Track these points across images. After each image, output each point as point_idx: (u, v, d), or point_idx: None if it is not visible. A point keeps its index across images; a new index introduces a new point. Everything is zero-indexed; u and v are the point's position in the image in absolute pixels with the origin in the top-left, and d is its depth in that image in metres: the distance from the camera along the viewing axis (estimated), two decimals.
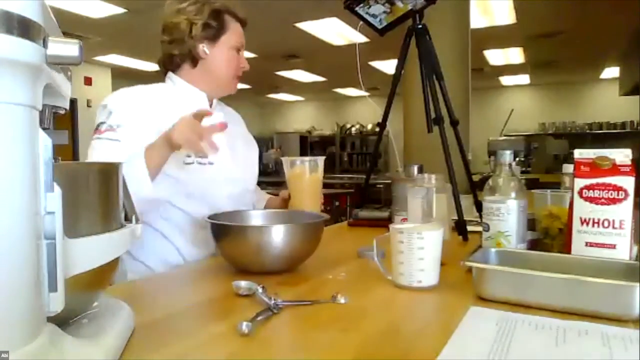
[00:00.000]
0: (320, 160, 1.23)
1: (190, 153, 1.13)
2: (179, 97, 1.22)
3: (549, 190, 1.11)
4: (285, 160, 1.23)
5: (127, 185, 0.77)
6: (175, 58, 1.23)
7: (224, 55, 1.22)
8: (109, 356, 0.50)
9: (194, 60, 1.22)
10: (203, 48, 1.20)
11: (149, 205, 1.06)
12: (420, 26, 1.38)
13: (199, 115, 1.02)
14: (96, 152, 1.09)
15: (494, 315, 0.64)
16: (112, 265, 0.54)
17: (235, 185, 1.27)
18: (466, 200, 1.35)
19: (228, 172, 1.24)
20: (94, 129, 1.13)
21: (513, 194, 0.90)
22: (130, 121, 1.11)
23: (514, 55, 7.06)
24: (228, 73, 1.24)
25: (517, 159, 5.41)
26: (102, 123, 1.12)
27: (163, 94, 1.22)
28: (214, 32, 1.20)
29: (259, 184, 1.47)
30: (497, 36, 5.85)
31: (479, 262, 0.74)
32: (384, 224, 0.95)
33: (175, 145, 1.00)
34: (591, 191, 0.82)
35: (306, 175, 1.21)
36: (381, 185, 5.75)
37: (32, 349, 0.39)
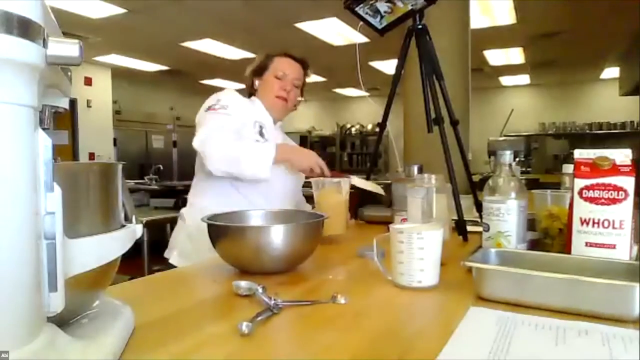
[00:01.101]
0: (345, 182, 1.32)
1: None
2: (253, 109, 1.61)
3: (549, 190, 1.10)
4: (314, 181, 1.35)
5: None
6: (247, 93, 1.70)
7: (266, 83, 1.61)
8: (109, 356, 0.50)
9: (253, 92, 1.66)
10: (255, 83, 1.65)
11: (254, 180, 1.42)
12: (420, 26, 1.38)
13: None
14: (213, 121, 1.45)
15: (494, 315, 0.64)
16: (112, 265, 0.54)
17: (295, 184, 1.66)
18: (466, 200, 1.35)
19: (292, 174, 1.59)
20: (204, 110, 1.50)
21: (513, 194, 0.90)
22: (233, 107, 1.50)
23: (514, 55, 7.05)
24: (269, 94, 1.60)
25: (517, 159, 5.41)
26: (213, 105, 1.49)
27: (247, 104, 1.61)
28: (260, 70, 1.63)
29: None
30: (497, 36, 5.85)
31: (479, 262, 0.74)
32: (390, 220, 0.95)
33: (297, 167, 1.47)
34: (591, 191, 0.82)
35: (332, 196, 1.30)
36: (381, 185, 5.75)
37: (32, 349, 0.39)
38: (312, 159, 1.44)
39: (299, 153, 1.49)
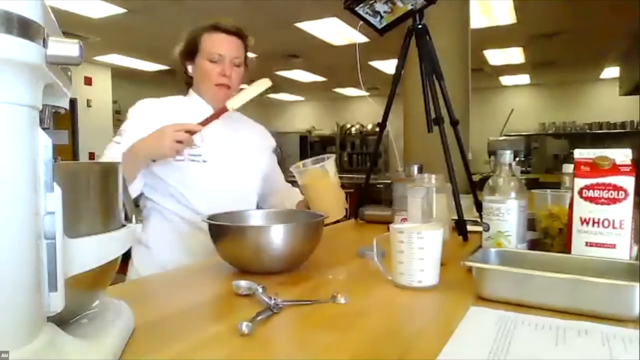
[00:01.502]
0: (329, 162, 1.19)
1: (183, 152, 1.24)
2: (189, 107, 1.38)
3: (549, 190, 1.11)
4: (293, 169, 1.20)
5: None
6: (186, 83, 1.45)
7: (200, 69, 1.35)
8: (109, 356, 0.50)
9: (191, 79, 1.41)
10: (188, 69, 1.40)
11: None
12: (420, 26, 1.38)
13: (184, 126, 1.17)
14: (105, 152, 1.27)
15: (494, 315, 0.64)
16: (112, 265, 0.54)
17: (234, 184, 1.36)
18: (466, 200, 1.35)
19: (222, 170, 1.34)
20: None
21: (513, 194, 0.90)
22: (134, 128, 1.26)
23: (514, 55, 7.05)
24: (207, 84, 1.35)
25: (517, 159, 5.41)
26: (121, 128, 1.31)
27: (176, 105, 1.39)
28: (191, 53, 1.37)
29: None
30: (497, 36, 5.84)
31: (479, 262, 0.74)
32: (390, 220, 0.94)
33: (160, 156, 1.19)
34: (591, 191, 0.82)
35: (318, 182, 1.18)
36: (381, 185, 5.75)
37: (32, 349, 0.39)
38: (165, 137, 1.14)
39: (151, 140, 1.17)
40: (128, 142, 1.21)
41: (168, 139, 1.13)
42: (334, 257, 1.05)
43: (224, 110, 1.24)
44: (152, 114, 1.30)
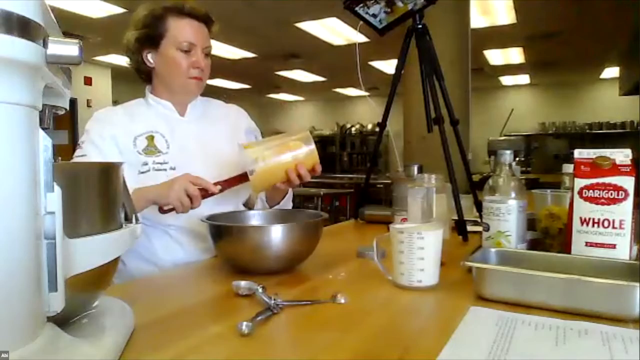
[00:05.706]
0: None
1: (147, 161, 1.18)
2: (148, 110, 1.26)
3: (549, 190, 1.11)
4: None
5: None
6: (139, 74, 1.27)
7: (168, 59, 1.19)
8: (109, 356, 0.50)
9: (149, 71, 1.25)
10: (148, 57, 1.22)
11: None
12: (420, 26, 1.38)
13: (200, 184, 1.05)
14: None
15: (494, 315, 0.64)
16: (112, 265, 0.54)
17: None
18: (466, 200, 1.35)
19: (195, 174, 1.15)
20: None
21: (513, 194, 0.90)
22: (94, 137, 1.18)
23: (514, 55, 7.06)
24: (177, 77, 1.21)
25: (517, 159, 5.41)
26: (79, 143, 1.20)
27: (136, 112, 1.25)
28: (153, 38, 1.19)
29: None
30: (497, 36, 5.85)
31: (479, 262, 0.74)
32: (390, 220, 0.94)
33: (164, 202, 1.04)
34: (591, 191, 0.82)
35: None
36: (381, 185, 5.75)
37: (32, 349, 0.39)
38: (175, 185, 1.03)
39: (160, 186, 1.08)
40: (91, 152, 1.14)
41: (178, 187, 1.02)
42: (334, 257, 1.05)
43: (246, 178, 1.06)
44: (111, 124, 1.20)
